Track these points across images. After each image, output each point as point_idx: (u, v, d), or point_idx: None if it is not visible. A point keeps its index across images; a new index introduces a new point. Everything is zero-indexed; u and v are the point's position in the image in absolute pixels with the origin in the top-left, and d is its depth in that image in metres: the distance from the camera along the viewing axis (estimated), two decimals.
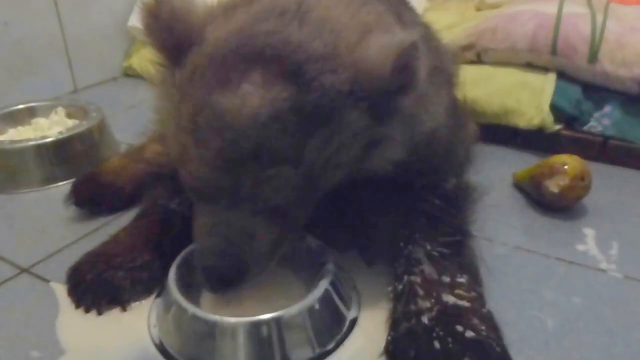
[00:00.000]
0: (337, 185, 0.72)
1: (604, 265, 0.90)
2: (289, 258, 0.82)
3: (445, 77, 0.94)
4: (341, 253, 0.87)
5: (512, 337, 0.72)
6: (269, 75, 0.63)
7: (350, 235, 0.89)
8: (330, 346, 0.73)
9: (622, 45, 1.21)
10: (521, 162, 1.19)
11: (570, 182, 0.99)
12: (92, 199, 1.06)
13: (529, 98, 1.26)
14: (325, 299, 0.74)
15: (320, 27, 0.66)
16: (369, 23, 0.70)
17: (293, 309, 0.71)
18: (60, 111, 1.37)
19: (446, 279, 0.75)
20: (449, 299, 0.72)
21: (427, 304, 0.71)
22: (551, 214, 1.03)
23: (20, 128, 1.33)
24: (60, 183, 1.19)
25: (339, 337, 0.75)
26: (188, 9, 0.70)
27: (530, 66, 1.33)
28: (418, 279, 0.75)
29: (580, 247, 0.94)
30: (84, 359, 0.73)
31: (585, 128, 1.25)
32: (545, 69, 1.31)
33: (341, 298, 0.77)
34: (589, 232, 0.98)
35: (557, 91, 1.26)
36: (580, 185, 1.00)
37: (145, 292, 0.83)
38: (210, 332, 0.70)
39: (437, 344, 0.67)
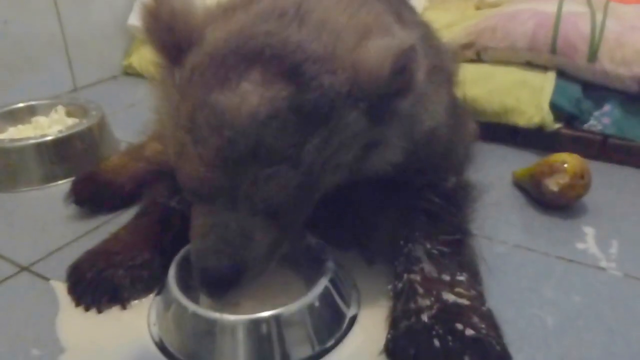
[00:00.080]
0: (336, 187, 0.72)
1: (603, 263, 0.90)
2: (289, 256, 0.82)
3: (445, 76, 0.94)
4: (341, 251, 0.87)
5: (511, 336, 0.72)
6: (268, 74, 0.63)
7: (350, 233, 0.89)
8: (329, 344, 0.73)
9: (622, 44, 1.21)
10: (521, 161, 1.19)
11: (570, 181, 0.99)
12: (92, 197, 1.06)
13: (529, 97, 1.26)
14: (325, 296, 0.74)
15: (319, 28, 0.67)
16: (368, 24, 0.70)
17: (293, 307, 0.71)
18: (60, 110, 1.37)
19: (446, 277, 0.75)
20: (449, 297, 0.72)
21: (427, 302, 0.71)
22: (551, 213, 1.03)
23: (20, 126, 1.33)
24: (60, 181, 1.19)
25: (338, 334, 0.75)
26: (188, 9, 0.70)
27: (530, 65, 1.33)
28: (418, 277, 0.75)
29: (580, 246, 0.94)
30: (84, 357, 0.73)
31: (585, 127, 1.25)
32: (544, 68, 1.31)
33: (341, 296, 0.77)
34: (589, 231, 0.98)
35: (557, 90, 1.26)
36: (580, 183, 1.00)
37: (145, 291, 0.83)
38: (210, 330, 0.70)
39: (436, 342, 0.67)
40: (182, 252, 0.81)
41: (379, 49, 0.64)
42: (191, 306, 0.72)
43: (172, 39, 0.69)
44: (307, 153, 0.64)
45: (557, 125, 1.24)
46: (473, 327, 0.68)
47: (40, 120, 1.33)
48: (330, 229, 0.86)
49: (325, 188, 0.71)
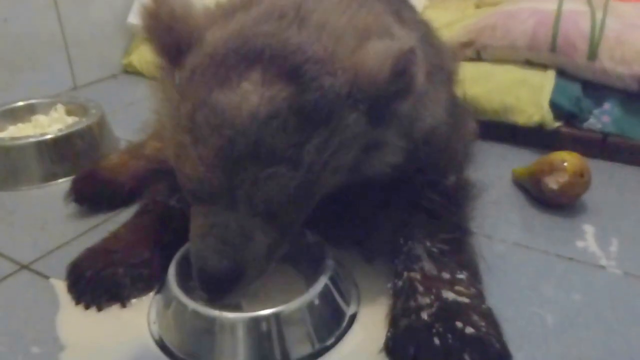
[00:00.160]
0: (337, 188, 0.72)
1: (603, 261, 0.90)
2: (289, 254, 0.82)
3: (445, 74, 0.94)
4: (341, 249, 0.87)
5: (511, 334, 0.72)
6: (268, 74, 0.63)
7: (350, 231, 0.89)
8: (329, 342, 0.73)
9: (622, 43, 1.21)
10: (521, 159, 1.19)
11: (569, 179, 0.99)
12: (92, 195, 1.06)
13: (529, 95, 1.26)
14: (325, 294, 0.74)
15: (319, 29, 0.67)
16: (368, 25, 0.70)
17: (292, 305, 0.71)
18: (60, 108, 1.37)
19: (446, 275, 0.75)
20: (449, 295, 0.72)
21: (426, 300, 0.71)
22: (551, 211, 1.03)
23: (20, 125, 1.33)
24: (60, 180, 1.19)
25: (338, 332, 0.75)
26: (187, 11, 0.70)
27: (529, 63, 1.33)
28: (418, 276, 0.75)
29: (580, 244, 0.94)
30: (84, 355, 0.73)
31: (585, 125, 1.25)
32: (544, 66, 1.31)
33: (341, 294, 0.78)
34: (589, 229, 0.98)
35: (557, 88, 1.26)
36: (580, 182, 1.00)
37: (145, 289, 0.83)
38: (210, 328, 0.70)
39: (436, 340, 0.67)
40: (182, 250, 0.81)
41: (379, 51, 0.64)
42: (191, 304, 0.72)
43: (172, 40, 0.69)
44: (307, 154, 0.64)
45: (557, 124, 1.24)
46: (473, 326, 0.68)
47: (40, 118, 1.33)
48: (330, 228, 0.86)
49: (325, 189, 0.71)
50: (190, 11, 0.70)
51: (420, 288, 0.73)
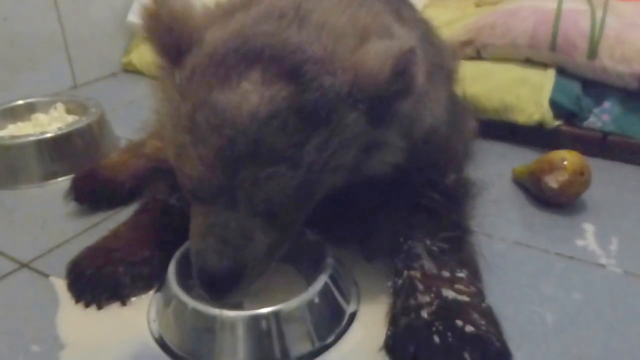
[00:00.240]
0: (336, 188, 0.72)
1: (603, 260, 0.90)
2: (289, 253, 0.82)
3: (445, 73, 0.94)
4: (341, 248, 0.87)
5: (511, 332, 0.72)
6: (268, 74, 0.63)
7: (350, 230, 0.89)
8: (329, 340, 0.73)
9: (622, 41, 1.21)
10: (521, 158, 1.19)
11: (569, 178, 0.99)
12: (91, 194, 1.06)
13: (529, 94, 1.26)
14: (325, 293, 0.74)
15: (319, 29, 0.67)
16: (368, 24, 0.70)
17: (292, 303, 0.71)
18: (60, 107, 1.37)
19: (446, 274, 0.75)
20: (449, 293, 0.72)
21: (426, 299, 0.71)
22: (550, 210, 1.03)
23: (20, 124, 1.33)
24: (60, 179, 1.19)
25: (338, 331, 0.75)
26: (187, 11, 0.70)
27: (529, 62, 1.33)
28: (418, 274, 0.75)
29: (580, 243, 0.94)
30: (84, 354, 0.74)
31: (585, 124, 1.25)
32: (544, 65, 1.31)
33: (341, 292, 0.78)
34: (589, 228, 0.98)
35: (557, 87, 1.26)
36: (580, 180, 1.00)
37: (145, 287, 0.83)
38: (210, 326, 0.71)
39: (436, 339, 0.67)
40: (181, 248, 0.81)
41: (379, 51, 0.64)
42: (191, 302, 0.72)
43: (172, 40, 0.69)
44: (307, 153, 0.64)
45: (557, 123, 1.24)
46: (473, 324, 0.68)
47: (40, 117, 1.33)
48: (330, 227, 0.86)
49: (325, 189, 0.71)
50: (190, 11, 0.70)
51: (420, 286, 0.73)
